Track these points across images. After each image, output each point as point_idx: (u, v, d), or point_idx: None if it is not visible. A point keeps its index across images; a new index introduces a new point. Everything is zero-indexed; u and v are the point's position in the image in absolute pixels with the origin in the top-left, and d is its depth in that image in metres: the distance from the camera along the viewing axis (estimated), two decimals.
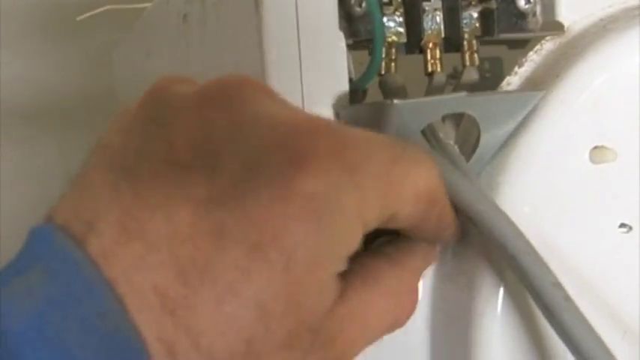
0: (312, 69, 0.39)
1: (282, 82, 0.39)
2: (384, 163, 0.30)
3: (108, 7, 0.62)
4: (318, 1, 0.39)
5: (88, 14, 0.61)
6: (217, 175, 0.28)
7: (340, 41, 0.40)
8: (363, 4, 0.40)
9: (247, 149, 0.29)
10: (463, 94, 0.38)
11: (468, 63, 0.44)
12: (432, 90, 0.43)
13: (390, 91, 0.42)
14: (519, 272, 0.35)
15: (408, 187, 0.31)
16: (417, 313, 0.35)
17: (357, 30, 0.41)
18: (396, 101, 0.36)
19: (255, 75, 0.39)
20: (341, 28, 0.40)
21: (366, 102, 0.41)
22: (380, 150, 0.30)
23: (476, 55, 0.44)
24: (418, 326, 0.41)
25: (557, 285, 0.35)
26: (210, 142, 0.29)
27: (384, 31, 0.41)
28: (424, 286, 0.41)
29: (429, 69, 0.43)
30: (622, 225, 0.41)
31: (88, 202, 0.29)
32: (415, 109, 0.37)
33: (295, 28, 0.39)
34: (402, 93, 0.42)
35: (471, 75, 0.44)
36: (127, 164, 0.30)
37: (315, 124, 0.30)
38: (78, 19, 0.63)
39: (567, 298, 0.35)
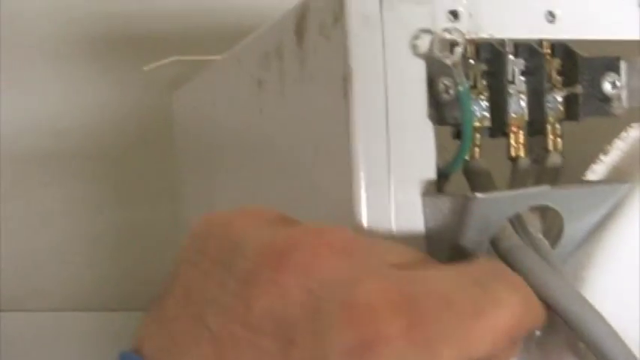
0: (399, 158, 0.39)
1: (369, 169, 0.39)
2: (464, 322, 0.30)
3: (175, 57, 0.62)
4: (408, 90, 0.39)
5: (155, 64, 0.61)
6: (291, 349, 0.29)
7: (429, 129, 0.39)
8: (451, 91, 0.40)
9: (321, 326, 0.29)
10: (546, 187, 0.38)
11: (551, 147, 0.43)
12: (515, 175, 0.43)
13: (474, 177, 0.41)
14: None
15: (487, 337, 0.31)
16: None
17: (444, 116, 0.40)
18: (478, 195, 0.36)
19: (341, 161, 0.39)
20: (429, 114, 0.40)
21: (449, 192, 0.40)
22: (460, 305, 0.30)
23: (559, 140, 0.43)
24: None
25: None
26: (286, 311, 0.30)
27: (473, 118, 0.41)
28: None
29: (513, 153, 0.43)
30: None
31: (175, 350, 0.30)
32: (497, 203, 0.37)
33: (384, 117, 0.39)
34: (486, 179, 0.41)
35: (555, 160, 0.43)
36: (208, 317, 0.31)
37: (388, 292, 0.30)
38: (145, 69, 0.63)
39: None
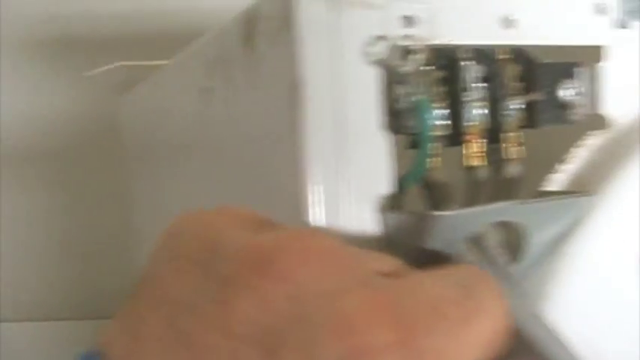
0: (352, 172, 0.37)
1: (319, 185, 0.37)
2: (452, 330, 0.29)
3: (120, 63, 0.60)
4: (360, 98, 0.37)
5: (98, 70, 0.59)
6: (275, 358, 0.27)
7: (383, 140, 0.38)
8: (407, 100, 0.38)
9: (307, 337, 0.27)
10: (507, 202, 0.36)
11: (510, 156, 0.42)
12: (473, 184, 0.41)
13: (432, 189, 0.40)
14: None
15: (475, 344, 0.29)
16: None
17: (401, 125, 0.39)
18: (436, 213, 0.35)
19: (289, 176, 0.37)
20: (384, 124, 0.38)
21: (406, 210, 0.38)
22: (448, 313, 0.29)
23: (518, 148, 0.42)
24: None
25: None
26: (269, 320, 0.28)
27: (432, 128, 0.39)
28: None
29: (471, 163, 0.41)
30: None
31: (141, 354, 0.28)
32: (457, 220, 0.35)
33: (335, 128, 0.37)
34: (444, 191, 0.40)
35: (514, 169, 0.42)
36: (183, 321, 0.29)
37: (377, 303, 0.28)
38: (87, 74, 0.60)
39: None
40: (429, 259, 0.36)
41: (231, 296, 0.28)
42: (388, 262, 0.32)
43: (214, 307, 0.28)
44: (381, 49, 0.37)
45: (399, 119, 0.39)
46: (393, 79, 0.38)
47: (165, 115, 0.59)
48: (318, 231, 0.32)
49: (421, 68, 0.40)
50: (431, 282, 0.30)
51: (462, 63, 0.41)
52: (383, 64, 0.37)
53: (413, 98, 0.37)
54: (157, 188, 0.64)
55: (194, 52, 0.51)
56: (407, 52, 0.37)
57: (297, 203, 0.37)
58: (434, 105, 0.41)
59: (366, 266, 0.31)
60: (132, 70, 0.63)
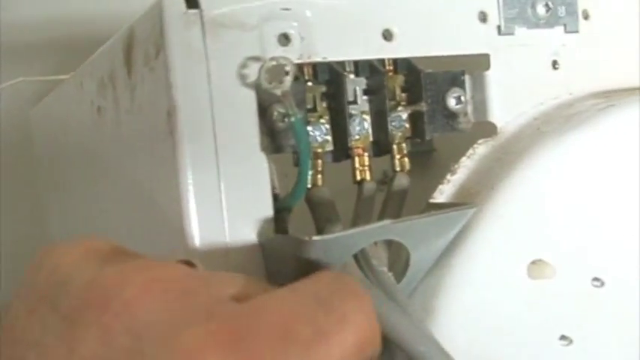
0: (233, 196, 0.37)
1: (201, 209, 0.36)
2: (305, 349, 0.28)
3: (21, 78, 0.59)
4: (237, 121, 0.37)
5: (1, 85, 0.58)
6: None
7: (263, 163, 0.37)
8: (286, 120, 0.37)
9: None
10: (388, 222, 0.36)
11: (398, 168, 0.42)
12: (361, 198, 0.41)
13: (316, 206, 0.40)
14: None
15: (334, 355, 0.29)
16: None
17: (281, 145, 0.38)
18: (315, 238, 0.34)
19: (171, 199, 0.37)
20: (262, 145, 0.37)
21: (284, 235, 0.38)
22: (300, 332, 0.28)
23: (406, 159, 0.42)
24: None
25: None
26: (110, 354, 0.27)
27: (310, 147, 0.39)
28: None
29: (358, 177, 0.41)
30: (562, 337, 0.40)
31: None
32: (337, 243, 0.35)
33: (214, 152, 0.37)
34: (328, 209, 0.40)
35: (402, 181, 0.42)
36: (28, 357, 0.29)
37: (218, 336, 0.27)
38: None
39: None
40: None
41: (75, 333, 0.28)
42: (240, 284, 0.32)
43: (60, 345, 0.28)
44: (254, 71, 0.37)
45: (279, 139, 0.38)
46: (269, 99, 0.37)
47: (68, 130, 0.58)
48: (169, 262, 0.31)
49: (304, 84, 0.40)
50: (282, 301, 0.29)
51: (348, 77, 0.41)
52: (257, 85, 0.37)
53: (290, 118, 0.36)
54: (66, 204, 0.63)
55: (87, 69, 0.50)
56: (281, 72, 0.36)
57: (179, 226, 0.37)
58: (320, 120, 0.40)
59: (214, 293, 0.30)
60: (42, 83, 0.62)
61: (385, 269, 0.37)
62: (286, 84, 0.36)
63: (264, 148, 0.37)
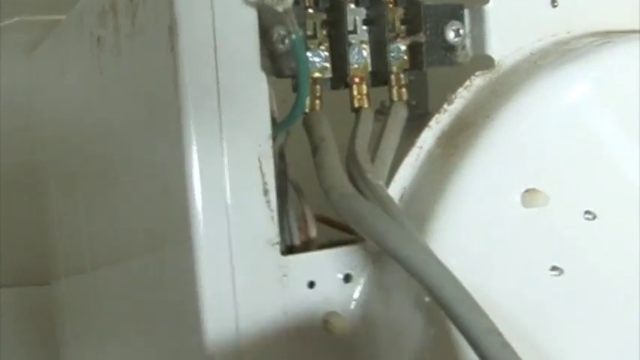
0: (232, 113, 0.37)
1: (200, 128, 0.36)
2: None
3: (19, 18, 0.59)
4: (239, 41, 0.37)
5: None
6: None
7: (262, 82, 0.37)
8: (286, 41, 0.38)
9: None
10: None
11: (395, 98, 0.42)
12: (359, 125, 0.41)
13: (312, 129, 0.40)
14: (454, 319, 0.34)
15: None
16: None
17: (281, 68, 0.39)
18: None
19: (169, 119, 0.37)
20: (263, 66, 0.38)
21: None
22: None
23: (404, 90, 0.42)
24: None
25: (494, 331, 0.33)
26: None
27: (309, 69, 0.39)
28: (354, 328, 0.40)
29: (356, 104, 0.42)
30: (553, 268, 0.40)
31: None
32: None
33: (214, 70, 0.37)
34: (324, 129, 0.40)
35: (399, 109, 0.42)
36: None
37: None
38: None
39: (505, 344, 0.33)
40: None
41: None
42: None
43: None
44: None
45: (280, 62, 0.38)
46: (271, 20, 0.38)
47: (68, 73, 0.59)
48: None
49: (305, 10, 0.40)
50: None
51: (348, 5, 0.41)
52: (260, 4, 0.37)
53: (290, 36, 0.37)
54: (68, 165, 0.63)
55: (88, 2, 0.50)
56: None
57: (182, 154, 0.37)
58: (320, 48, 0.41)
59: None
60: (40, 27, 0.62)
61: (380, 183, 0.38)
62: (288, 1, 0.36)
63: (264, 69, 0.38)
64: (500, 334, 0.34)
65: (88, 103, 0.53)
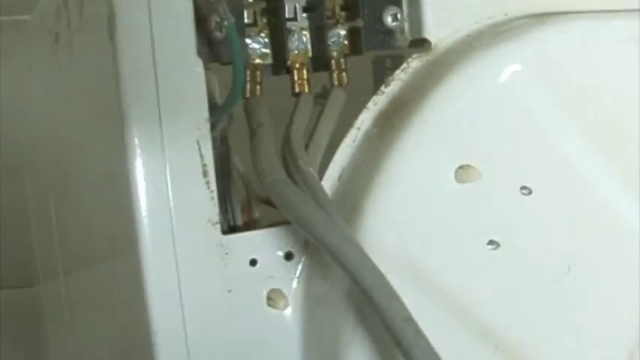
0: (170, 98, 0.38)
1: (139, 114, 0.38)
2: None
3: None
4: (174, 28, 0.38)
5: None
6: None
7: (198, 67, 0.39)
8: (223, 29, 0.39)
9: None
10: None
11: (336, 82, 0.43)
12: (297, 108, 0.43)
13: (250, 113, 0.41)
14: (372, 306, 0.35)
15: None
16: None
17: (219, 54, 0.40)
18: None
19: (111, 106, 0.39)
20: (201, 54, 0.39)
21: None
22: None
23: (344, 74, 0.44)
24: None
25: (409, 320, 0.35)
26: None
27: (247, 54, 0.41)
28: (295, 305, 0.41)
29: (296, 89, 0.43)
30: (490, 242, 0.41)
31: None
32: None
33: (151, 57, 0.38)
34: (262, 114, 0.41)
35: (338, 94, 0.43)
36: None
37: None
38: None
39: (418, 332, 0.35)
40: None
41: None
42: None
43: None
44: None
45: (217, 48, 0.40)
46: (207, 9, 0.39)
47: (33, 70, 0.60)
48: None
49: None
50: None
51: None
52: None
53: (224, 25, 0.38)
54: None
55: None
56: None
57: (123, 138, 0.38)
58: (260, 34, 0.42)
59: None
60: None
61: (311, 170, 0.39)
62: None
63: (201, 56, 0.39)
64: (414, 322, 0.35)
65: (50, 102, 0.55)
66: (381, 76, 0.50)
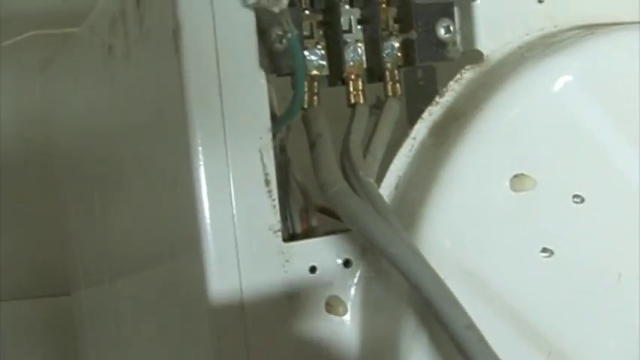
0: (233, 109, 0.39)
1: (204, 123, 0.39)
2: None
3: (33, 32, 0.61)
4: (238, 40, 0.39)
5: (12, 40, 0.60)
6: None
7: (261, 79, 0.40)
8: (284, 40, 0.40)
9: None
10: None
11: (390, 93, 0.44)
12: (354, 119, 0.44)
13: (310, 124, 0.42)
14: (435, 314, 0.36)
15: None
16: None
17: (280, 66, 0.41)
18: None
19: (176, 116, 0.40)
20: (262, 65, 0.40)
21: None
22: None
23: (398, 85, 0.44)
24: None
25: (471, 327, 0.35)
26: None
27: (306, 66, 0.42)
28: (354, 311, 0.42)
29: (352, 100, 0.44)
30: (544, 250, 0.42)
31: None
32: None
33: (215, 69, 0.39)
34: (321, 125, 0.42)
35: (393, 105, 0.44)
36: None
37: None
38: (3, 44, 0.62)
39: (481, 339, 0.35)
40: None
41: None
42: None
43: None
44: None
45: (278, 60, 0.41)
46: (268, 22, 0.40)
47: (81, 82, 0.61)
48: None
49: (302, 12, 0.42)
50: None
51: (343, 7, 0.43)
52: (257, 6, 0.39)
53: (287, 35, 0.39)
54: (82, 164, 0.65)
55: (100, 11, 0.53)
56: None
57: (188, 148, 0.39)
58: (317, 46, 0.43)
59: None
60: (50, 42, 0.64)
61: (371, 180, 0.40)
62: (283, 2, 0.38)
63: (263, 67, 0.40)
64: (477, 330, 0.36)
65: (100, 112, 0.56)
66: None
